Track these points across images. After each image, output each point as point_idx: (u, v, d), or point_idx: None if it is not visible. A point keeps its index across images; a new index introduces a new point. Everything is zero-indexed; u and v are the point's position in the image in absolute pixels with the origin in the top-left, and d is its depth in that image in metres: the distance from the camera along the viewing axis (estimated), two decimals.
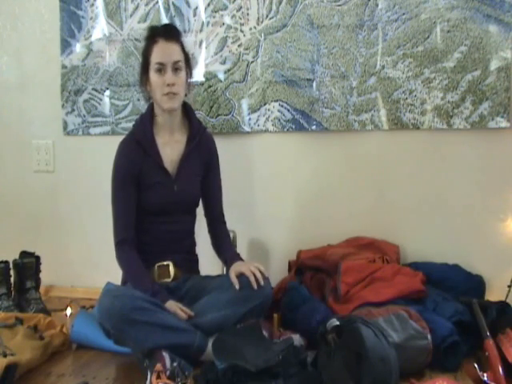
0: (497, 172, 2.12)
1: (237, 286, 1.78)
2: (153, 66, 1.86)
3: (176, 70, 1.86)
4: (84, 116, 2.52)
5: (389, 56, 2.17)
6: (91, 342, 1.88)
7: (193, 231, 2.04)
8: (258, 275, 1.78)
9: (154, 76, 1.86)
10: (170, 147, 1.94)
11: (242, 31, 2.31)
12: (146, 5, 2.40)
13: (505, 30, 2.05)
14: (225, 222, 2.05)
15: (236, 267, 1.84)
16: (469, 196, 2.15)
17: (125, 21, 2.44)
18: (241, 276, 1.81)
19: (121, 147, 1.93)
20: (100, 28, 2.47)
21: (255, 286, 1.77)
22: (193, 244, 2.06)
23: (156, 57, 1.85)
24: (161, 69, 1.85)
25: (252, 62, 2.31)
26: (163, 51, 1.86)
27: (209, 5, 2.34)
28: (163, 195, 1.91)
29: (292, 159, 2.33)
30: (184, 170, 1.94)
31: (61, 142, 2.58)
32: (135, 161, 1.89)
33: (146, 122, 1.93)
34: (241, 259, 1.94)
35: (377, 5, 2.17)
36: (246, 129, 2.34)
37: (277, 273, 2.19)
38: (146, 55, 1.88)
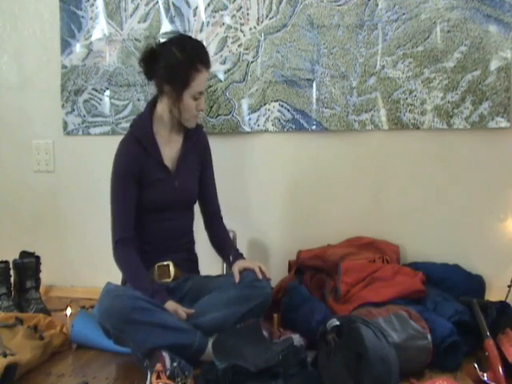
0: (497, 172, 2.12)
1: (237, 280, 1.82)
2: (192, 93, 1.86)
3: (203, 93, 1.92)
4: (84, 116, 2.52)
5: (389, 56, 2.17)
6: (91, 342, 1.89)
7: (192, 229, 2.04)
8: (264, 269, 1.84)
9: (189, 99, 1.87)
10: (169, 145, 1.96)
11: (242, 31, 2.31)
12: (146, 5, 2.40)
13: (505, 30, 2.05)
14: (222, 218, 2.06)
15: (240, 263, 1.88)
16: (469, 196, 2.15)
17: (125, 21, 2.44)
18: (243, 271, 1.83)
19: (121, 146, 1.94)
20: (100, 28, 2.47)
21: (260, 277, 1.81)
22: (192, 243, 2.06)
23: (198, 86, 1.86)
24: (199, 97, 1.89)
25: (252, 62, 2.31)
26: (204, 81, 1.90)
27: (209, 5, 2.34)
28: (165, 191, 1.92)
29: (292, 159, 2.33)
30: (183, 166, 1.96)
31: (61, 141, 2.58)
32: (136, 159, 1.90)
33: (145, 121, 1.94)
34: (243, 258, 1.95)
35: (377, 5, 2.17)
36: (246, 129, 2.34)
37: (277, 273, 2.19)
38: (187, 80, 1.84)
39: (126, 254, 1.86)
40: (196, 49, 1.90)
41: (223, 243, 2.02)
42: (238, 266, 1.86)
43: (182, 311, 1.75)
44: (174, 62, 1.84)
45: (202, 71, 1.86)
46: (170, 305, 1.76)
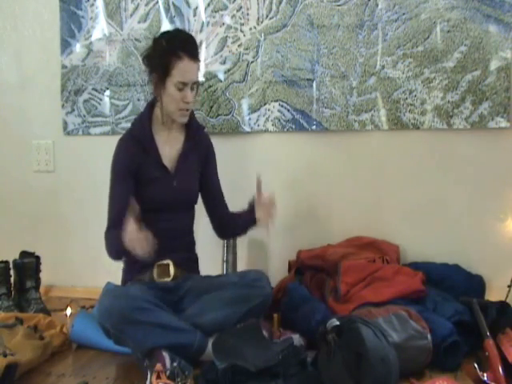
0: (497, 172, 2.12)
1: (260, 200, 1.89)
2: (174, 82, 1.83)
3: (192, 88, 1.88)
4: (84, 116, 2.52)
5: (389, 56, 2.17)
6: (91, 342, 1.89)
7: (192, 229, 2.04)
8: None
9: (172, 89, 1.85)
10: (169, 144, 1.96)
11: (242, 31, 2.31)
12: (146, 5, 2.41)
13: (505, 30, 2.05)
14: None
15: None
16: (469, 196, 2.15)
17: (125, 21, 2.44)
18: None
19: (119, 144, 1.94)
20: (100, 28, 2.47)
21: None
22: (192, 243, 2.06)
23: (180, 75, 1.83)
24: (182, 87, 1.85)
25: (252, 62, 2.31)
26: (188, 71, 1.85)
27: (209, 5, 2.34)
28: (163, 191, 1.92)
29: (292, 159, 2.33)
30: (183, 166, 1.96)
31: (61, 141, 2.58)
32: (133, 157, 1.90)
33: (144, 121, 1.94)
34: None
35: (377, 5, 2.17)
36: (246, 129, 2.34)
37: (277, 273, 2.19)
38: (168, 66, 1.83)
39: (111, 232, 1.86)
40: (181, 38, 1.90)
41: (236, 220, 2.02)
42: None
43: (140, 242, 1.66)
44: (158, 50, 1.87)
45: (184, 59, 1.83)
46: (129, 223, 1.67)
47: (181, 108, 1.88)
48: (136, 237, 1.64)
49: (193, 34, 2.32)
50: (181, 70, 1.83)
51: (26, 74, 2.60)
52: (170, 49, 1.84)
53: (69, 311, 2.22)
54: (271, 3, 2.27)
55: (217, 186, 2.06)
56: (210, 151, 2.06)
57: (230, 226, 2.05)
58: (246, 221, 1.97)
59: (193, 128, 1.99)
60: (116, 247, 1.77)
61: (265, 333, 1.76)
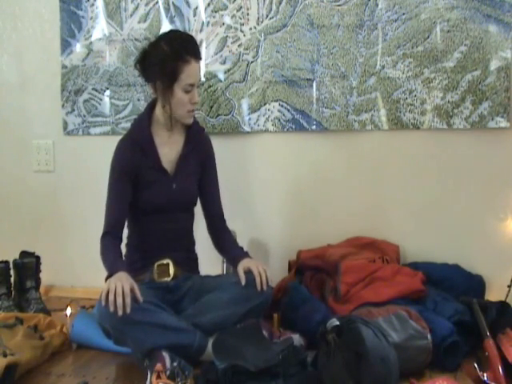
0: (497, 172, 2.12)
1: (243, 282, 1.79)
2: (182, 85, 1.83)
3: (198, 86, 1.89)
4: (84, 116, 2.52)
5: (389, 56, 2.17)
6: (91, 342, 1.89)
7: (191, 230, 2.04)
8: (264, 279, 1.79)
9: (180, 93, 1.84)
10: (169, 147, 1.95)
11: (242, 31, 2.31)
12: (146, 5, 2.41)
13: (505, 29, 2.05)
14: (225, 221, 2.04)
15: (245, 263, 1.84)
16: (469, 196, 2.15)
17: (125, 21, 2.44)
18: (246, 273, 1.81)
19: (118, 146, 1.94)
20: (100, 28, 2.47)
21: (259, 288, 1.77)
22: (192, 243, 2.06)
23: (188, 78, 1.83)
24: (190, 89, 1.85)
25: (252, 62, 2.31)
26: (194, 73, 1.85)
27: (209, 5, 2.34)
28: (162, 193, 1.92)
29: (292, 159, 2.33)
30: (182, 168, 1.95)
31: (61, 141, 2.58)
32: (132, 159, 1.89)
33: (144, 122, 1.94)
34: (249, 256, 1.92)
35: (377, 5, 2.17)
36: (246, 129, 2.34)
37: (277, 273, 2.19)
38: (175, 72, 1.82)
39: (106, 242, 1.85)
40: (183, 40, 1.88)
41: (227, 245, 2.00)
42: (242, 267, 1.83)
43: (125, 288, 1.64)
44: (161, 56, 1.83)
45: (191, 62, 1.83)
46: (120, 275, 1.68)
47: (189, 109, 1.89)
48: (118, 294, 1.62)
49: (193, 33, 2.33)
50: (189, 72, 1.83)
51: (26, 74, 2.60)
52: (175, 54, 1.82)
53: (69, 311, 2.22)
54: (271, 3, 2.27)
55: (213, 190, 2.03)
56: (210, 154, 2.05)
57: (217, 245, 2.02)
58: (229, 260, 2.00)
59: (193, 130, 1.98)
60: (105, 266, 1.79)
61: (265, 333, 1.76)
